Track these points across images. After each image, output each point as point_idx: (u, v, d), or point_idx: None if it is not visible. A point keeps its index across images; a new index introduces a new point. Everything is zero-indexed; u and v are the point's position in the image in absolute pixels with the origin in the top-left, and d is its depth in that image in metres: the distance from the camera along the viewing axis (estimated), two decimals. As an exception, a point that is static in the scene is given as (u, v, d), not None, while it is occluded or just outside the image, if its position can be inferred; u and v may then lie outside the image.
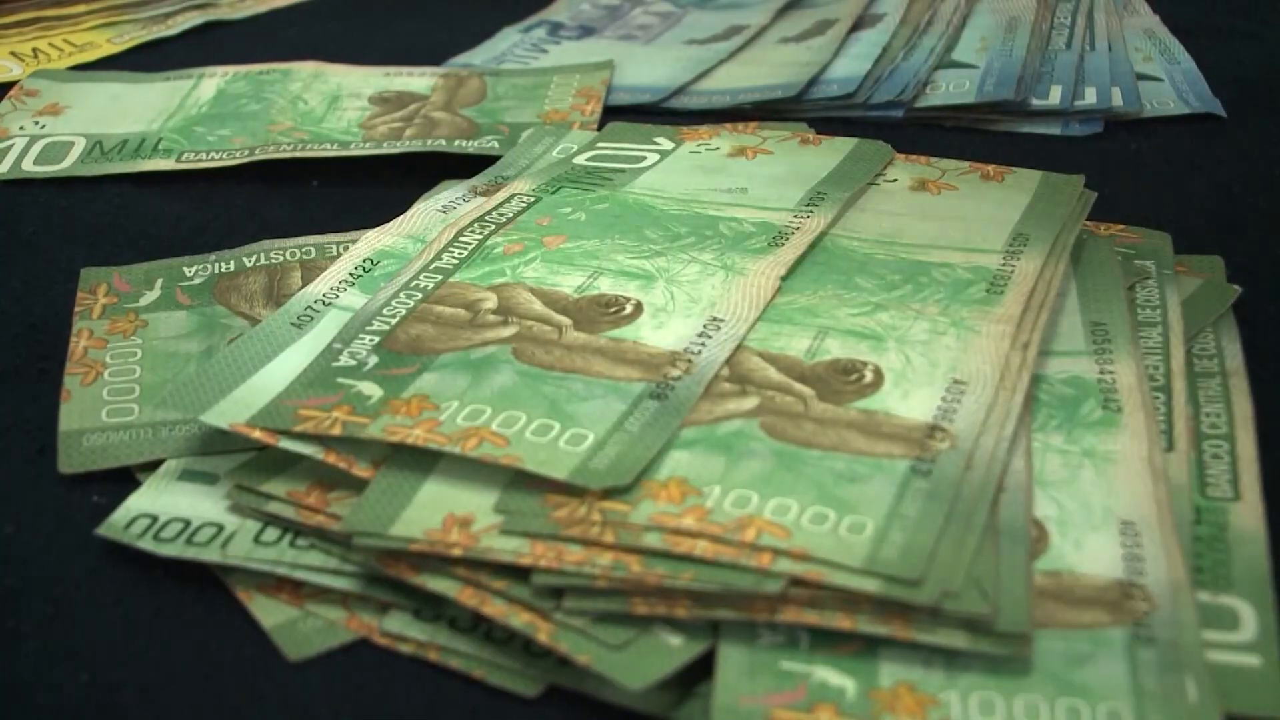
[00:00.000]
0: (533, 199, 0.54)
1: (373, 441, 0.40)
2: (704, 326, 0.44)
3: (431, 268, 0.49)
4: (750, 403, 0.41)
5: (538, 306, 0.46)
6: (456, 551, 0.36)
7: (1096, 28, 0.76)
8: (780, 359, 0.43)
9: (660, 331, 0.44)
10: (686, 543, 0.35)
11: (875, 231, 0.51)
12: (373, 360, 0.43)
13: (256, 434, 0.40)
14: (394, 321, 0.45)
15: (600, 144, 0.59)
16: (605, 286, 0.47)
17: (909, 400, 0.41)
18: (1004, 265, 0.48)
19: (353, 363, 0.43)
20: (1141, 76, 0.71)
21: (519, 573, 0.36)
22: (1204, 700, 0.33)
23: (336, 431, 0.40)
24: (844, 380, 0.42)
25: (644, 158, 0.58)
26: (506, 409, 0.40)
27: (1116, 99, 0.68)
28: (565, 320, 0.45)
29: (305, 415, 0.41)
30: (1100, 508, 0.38)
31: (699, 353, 0.43)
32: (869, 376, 0.42)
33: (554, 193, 0.55)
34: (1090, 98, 0.68)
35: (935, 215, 0.52)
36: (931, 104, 0.68)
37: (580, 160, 0.57)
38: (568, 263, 0.49)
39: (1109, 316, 0.46)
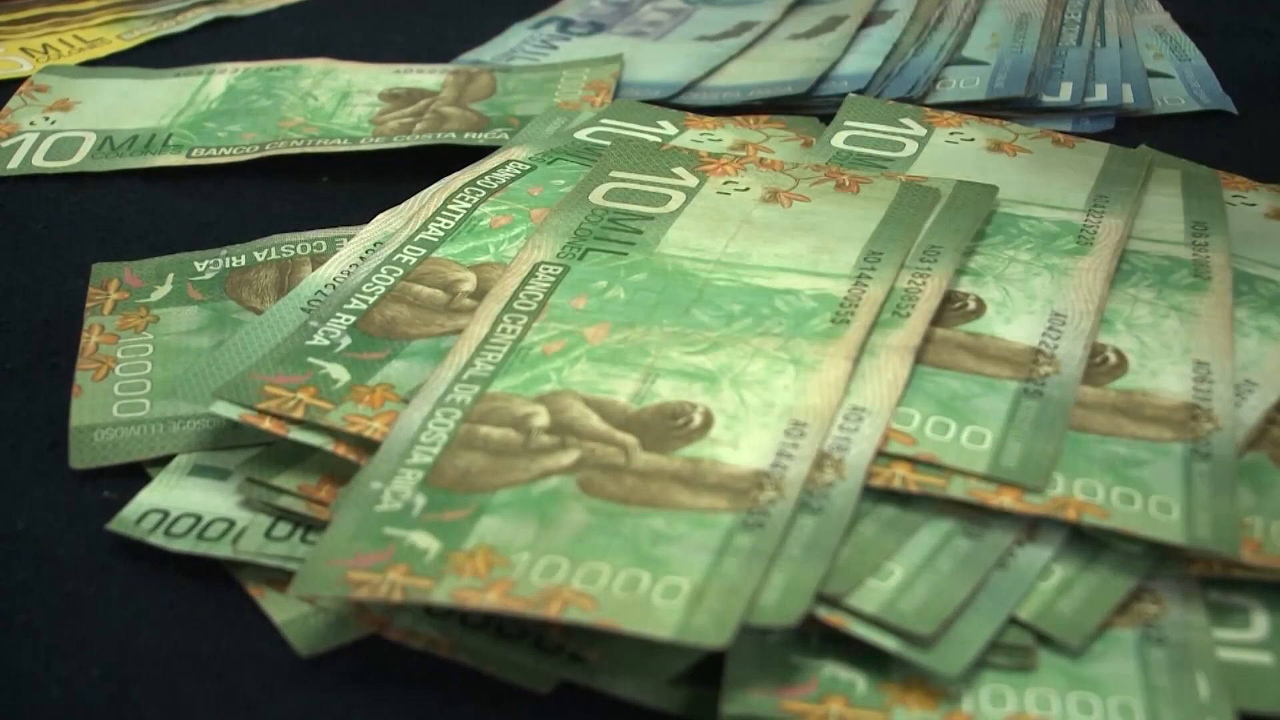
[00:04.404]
0: (527, 167, 0.54)
1: (334, 429, 0.40)
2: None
3: (416, 240, 0.49)
4: (570, 457, 0.39)
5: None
6: (397, 596, 0.34)
7: (1107, 24, 0.76)
8: (606, 404, 0.40)
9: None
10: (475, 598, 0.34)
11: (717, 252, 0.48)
12: (345, 341, 0.43)
13: (266, 424, 0.40)
14: (371, 300, 0.45)
15: (603, 120, 0.59)
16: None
17: (739, 446, 0.39)
18: (852, 291, 0.45)
19: (325, 342, 0.43)
20: (1152, 73, 0.71)
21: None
22: (1216, 697, 0.33)
23: (299, 414, 0.40)
24: (672, 425, 0.40)
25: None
26: None
27: (1127, 96, 0.68)
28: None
29: (271, 393, 0.41)
30: (1179, 349, 0.43)
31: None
32: (698, 420, 0.40)
33: (550, 163, 0.54)
34: (1101, 94, 0.68)
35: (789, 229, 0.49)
36: (942, 100, 0.67)
37: (581, 135, 0.57)
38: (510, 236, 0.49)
39: (1209, 218, 0.51)
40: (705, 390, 0.41)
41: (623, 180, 0.52)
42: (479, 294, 0.46)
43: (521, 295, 0.45)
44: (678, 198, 0.51)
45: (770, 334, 0.43)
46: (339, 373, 0.42)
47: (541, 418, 0.40)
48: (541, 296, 0.45)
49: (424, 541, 0.36)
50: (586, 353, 0.42)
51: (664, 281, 0.46)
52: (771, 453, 0.38)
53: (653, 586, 0.34)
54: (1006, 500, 0.37)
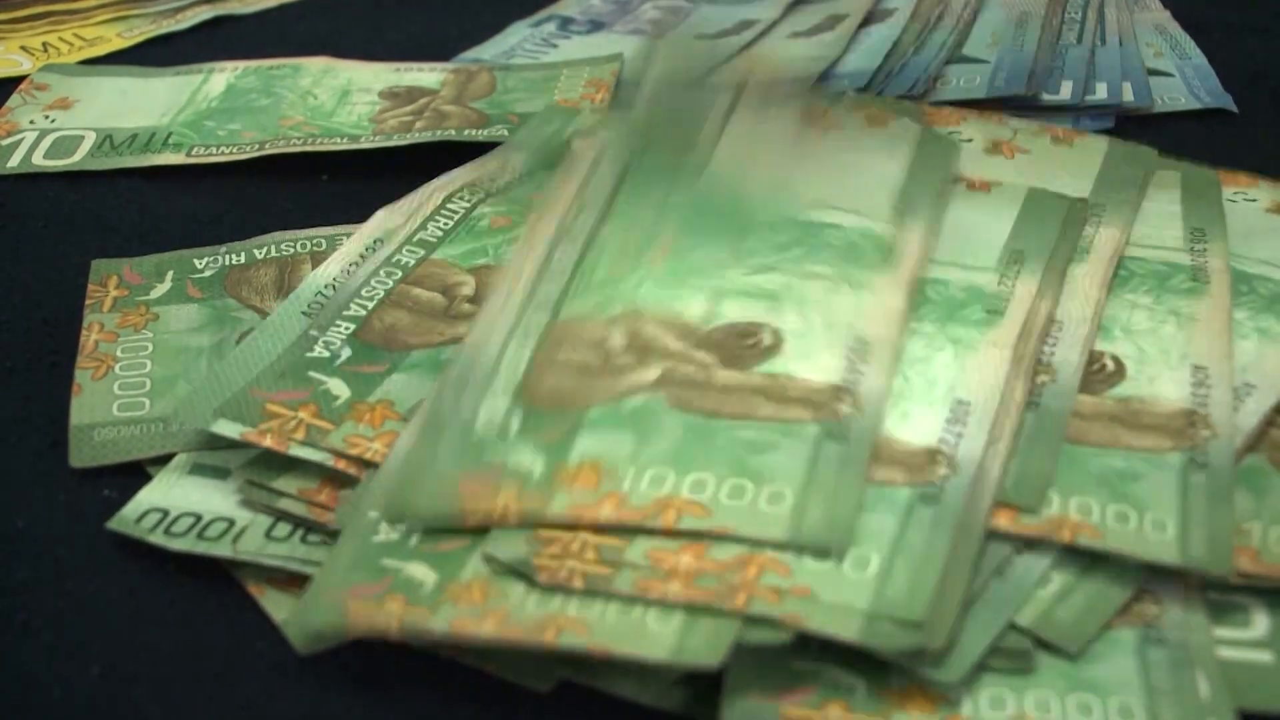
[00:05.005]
0: (527, 170, 0.54)
1: (335, 451, 0.40)
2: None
3: (415, 240, 0.49)
4: (653, 374, 0.40)
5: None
6: (395, 626, 0.34)
7: (1107, 23, 0.76)
8: (678, 325, 0.42)
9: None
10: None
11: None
12: (345, 352, 0.43)
13: (268, 442, 0.40)
14: (371, 306, 0.45)
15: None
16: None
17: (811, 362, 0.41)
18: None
19: (325, 354, 0.43)
20: (1153, 72, 0.71)
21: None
22: (1216, 696, 0.33)
23: (300, 435, 0.40)
24: (743, 345, 0.42)
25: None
26: None
27: (1127, 94, 0.68)
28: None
29: (272, 411, 0.41)
30: (1177, 354, 0.43)
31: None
32: (768, 339, 0.42)
33: (549, 166, 0.54)
34: (1101, 93, 0.68)
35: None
36: (942, 98, 0.67)
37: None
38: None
39: (1208, 224, 0.51)
40: (769, 310, 0.43)
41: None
42: (478, 299, 0.45)
43: (575, 229, 0.47)
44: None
45: (821, 261, 0.45)
46: (339, 389, 0.42)
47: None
48: (591, 225, 0.47)
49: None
50: (651, 276, 0.44)
51: (713, 216, 0.47)
52: (841, 370, 0.40)
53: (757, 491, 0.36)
54: (1001, 521, 0.37)
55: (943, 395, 0.40)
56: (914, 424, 0.39)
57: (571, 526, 0.36)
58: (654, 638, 0.33)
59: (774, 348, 0.41)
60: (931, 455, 0.38)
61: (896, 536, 0.36)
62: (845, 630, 0.33)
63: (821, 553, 0.35)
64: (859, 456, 0.38)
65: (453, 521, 0.36)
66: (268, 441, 0.40)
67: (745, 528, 0.35)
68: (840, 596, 0.34)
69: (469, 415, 0.39)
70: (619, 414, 0.39)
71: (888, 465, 0.38)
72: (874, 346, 0.41)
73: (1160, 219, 0.51)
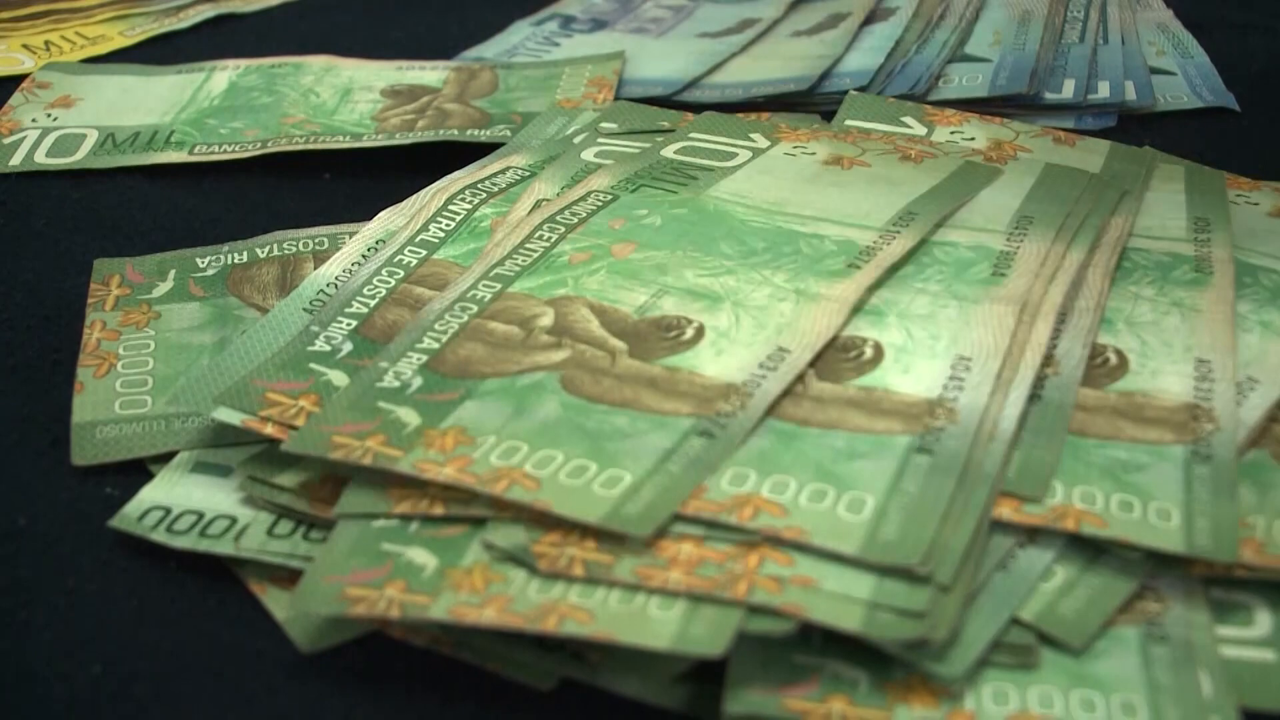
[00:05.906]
0: (526, 173, 0.54)
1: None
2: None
3: (417, 241, 0.49)
4: (560, 355, 0.41)
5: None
6: (395, 612, 0.34)
7: (1109, 21, 0.76)
8: (609, 312, 0.44)
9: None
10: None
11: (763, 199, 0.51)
12: (347, 347, 0.43)
13: (268, 429, 0.40)
14: (372, 304, 0.45)
15: (602, 124, 0.59)
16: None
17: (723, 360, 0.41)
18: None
19: (327, 348, 0.43)
20: (1155, 70, 0.71)
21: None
22: (1219, 694, 0.33)
23: (300, 422, 0.40)
24: (661, 336, 0.43)
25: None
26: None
27: (1129, 93, 0.68)
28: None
29: (272, 400, 0.41)
30: (1180, 346, 0.43)
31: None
32: (689, 334, 0.43)
33: (550, 168, 0.54)
34: (1103, 91, 0.68)
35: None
36: (944, 97, 0.67)
37: (579, 140, 0.57)
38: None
39: (1212, 214, 0.51)
40: (705, 309, 0.44)
41: (699, 140, 0.55)
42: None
43: (566, 211, 0.49)
44: (744, 155, 0.54)
45: (783, 268, 0.46)
46: (340, 380, 0.42)
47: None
48: (584, 215, 0.48)
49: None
50: (608, 265, 0.45)
51: (701, 217, 0.49)
52: (750, 370, 0.41)
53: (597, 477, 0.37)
54: (1005, 511, 0.37)
55: (944, 350, 0.41)
56: (915, 378, 0.40)
57: (417, 482, 0.37)
58: (656, 626, 0.33)
59: (695, 339, 0.42)
60: (930, 407, 0.39)
61: (892, 483, 0.36)
62: (847, 620, 0.33)
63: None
64: (716, 456, 0.38)
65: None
66: (268, 429, 0.40)
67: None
68: (840, 585, 0.34)
69: (380, 370, 0.40)
70: (511, 388, 0.40)
71: (887, 416, 0.39)
72: (792, 352, 0.42)
73: (1164, 209, 0.52)
